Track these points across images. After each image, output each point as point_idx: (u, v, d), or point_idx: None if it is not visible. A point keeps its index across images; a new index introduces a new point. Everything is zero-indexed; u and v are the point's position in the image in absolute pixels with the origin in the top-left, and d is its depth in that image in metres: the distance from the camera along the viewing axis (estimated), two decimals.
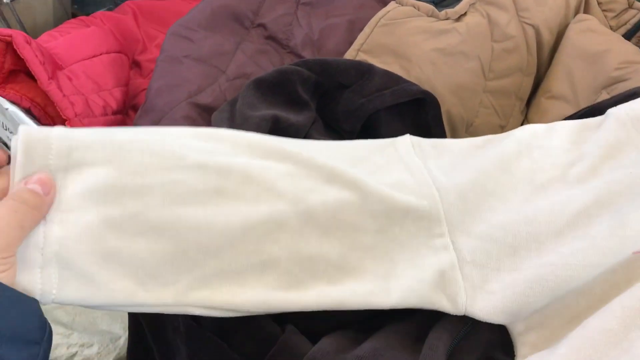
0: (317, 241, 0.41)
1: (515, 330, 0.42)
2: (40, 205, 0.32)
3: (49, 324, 0.31)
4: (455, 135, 0.63)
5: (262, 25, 0.65)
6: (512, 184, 0.45)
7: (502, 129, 0.65)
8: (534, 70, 0.67)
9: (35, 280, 0.32)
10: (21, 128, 0.34)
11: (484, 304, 0.41)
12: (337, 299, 0.40)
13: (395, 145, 0.49)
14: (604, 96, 0.60)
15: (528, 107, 0.70)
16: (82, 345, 0.71)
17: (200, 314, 0.37)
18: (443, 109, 0.60)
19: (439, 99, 0.58)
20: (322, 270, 0.40)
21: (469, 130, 0.64)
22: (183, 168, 0.37)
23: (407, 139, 0.50)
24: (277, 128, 0.50)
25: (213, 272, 0.37)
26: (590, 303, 0.41)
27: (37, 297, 0.32)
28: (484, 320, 0.41)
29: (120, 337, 0.71)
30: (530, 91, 0.68)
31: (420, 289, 0.41)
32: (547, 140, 0.47)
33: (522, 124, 0.66)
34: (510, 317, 0.41)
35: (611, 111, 0.48)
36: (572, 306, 0.41)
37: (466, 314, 0.41)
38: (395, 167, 0.46)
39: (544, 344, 0.41)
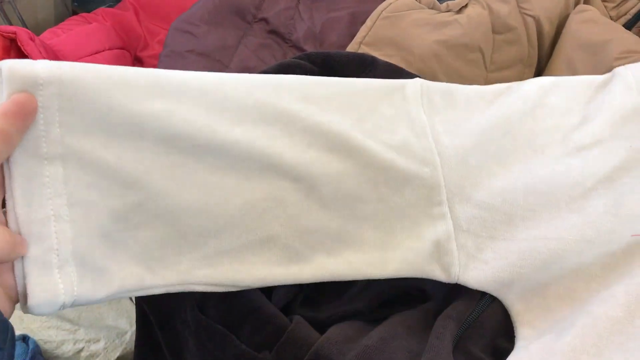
0: (318, 213, 0.41)
1: (514, 310, 0.42)
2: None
3: (10, 324, 0.30)
4: None
5: (264, 20, 0.65)
6: (514, 147, 0.45)
7: None
8: (534, 61, 0.68)
9: (56, 281, 0.32)
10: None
11: (476, 272, 0.42)
12: (334, 271, 0.40)
13: (404, 93, 0.46)
14: None
15: None
16: (88, 341, 0.72)
17: (203, 290, 0.38)
18: None
19: None
20: (321, 242, 0.41)
21: None
22: (182, 150, 0.37)
23: (418, 85, 0.47)
24: None
25: (214, 251, 0.38)
26: (590, 285, 0.41)
27: (61, 298, 0.32)
28: (476, 289, 0.42)
29: (126, 332, 0.72)
30: None
31: (415, 260, 0.41)
32: (552, 97, 0.46)
33: None
34: (502, 287, 0.41)
35: (618, 71, 0.48)
36: (570, 287, 0.41)
37: (458, 282, 0.42)
38: (401, 124, 0.45)
39: (544, 324, 0.41)
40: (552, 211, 0.42)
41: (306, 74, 0.54)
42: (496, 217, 0.42)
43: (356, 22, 0.65)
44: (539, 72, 0.70)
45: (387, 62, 0.56)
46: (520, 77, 0.67)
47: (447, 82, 0.61)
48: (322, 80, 0.44)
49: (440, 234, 0.42)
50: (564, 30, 0.68)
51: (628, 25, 0.72)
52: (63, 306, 0.32)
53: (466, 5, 0.65)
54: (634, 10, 0.73)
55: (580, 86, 0.47)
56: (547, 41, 0.69)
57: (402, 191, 0.42)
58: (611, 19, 0.73)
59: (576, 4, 0.71)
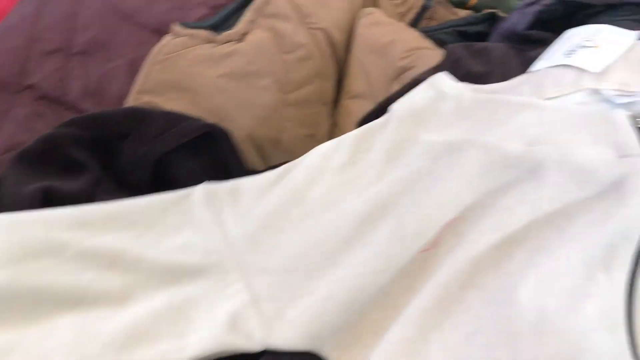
0: (107, 325, 0.40)
1: (331, 357, 0.41)
2: None
3: None
4: (264, 156, 0.61)
5: (30, 87, 0.59)
6: (305, 213, 0.45)
7: (312, 137, 0.64)
8: (332, 72, 0.67)
9: None
10: None
11: (282, 334, 0.41)
12: None
13: (189, 200, 0.48)
14: (396, 87, 0.61)
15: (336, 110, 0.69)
16: None
17: None
18: (244, 134, 0.58)
19: (236, 126, 0.56)
20: (111, 342, 0.40)
21: (279, 147, 0.62)
22: None
23: (201, 190, 0.48)
24: (51, 201, 0.46)
25: None
26: (393, 313, 0.40)
27: None
28: (286, 349, 0.41)
29: None
30: (335, 94, 0.68)
31: (215, 335, 0.41)
32: (336, 159, 0.48)
33: (330, 129, 0.66)
34: (312, 340, 0.40)
35: (393, 108, 0.49)
36: (379, 319, 0.41)
37: (267, 348, 0.41)
38: (186, 227, 0.46)
39: None
40: (345, 251, 0.42)
41: (76, 141, 0.50)
42: (295, 278, 0.43)
43: (136, 69, 0.60)
44: (341, 82, 0.69)
45: (164, 111, 0.53)
46: (321, 91, 0.66)
47: (239, 115, 0.60)
48: (99, 206, 0.46)
49: (237, 307, 0.42)
50: (353, 36, 0.68)
51: (416, 20, 0.74)
52: None
53: (247, 32, 0.63)
54: (419, 3, 0.76)
55: (359, 137, 0.48)
56: (341, 51, 0.69)
57: (194, 283, 0.43)
58: (401, 16, 0.75)
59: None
